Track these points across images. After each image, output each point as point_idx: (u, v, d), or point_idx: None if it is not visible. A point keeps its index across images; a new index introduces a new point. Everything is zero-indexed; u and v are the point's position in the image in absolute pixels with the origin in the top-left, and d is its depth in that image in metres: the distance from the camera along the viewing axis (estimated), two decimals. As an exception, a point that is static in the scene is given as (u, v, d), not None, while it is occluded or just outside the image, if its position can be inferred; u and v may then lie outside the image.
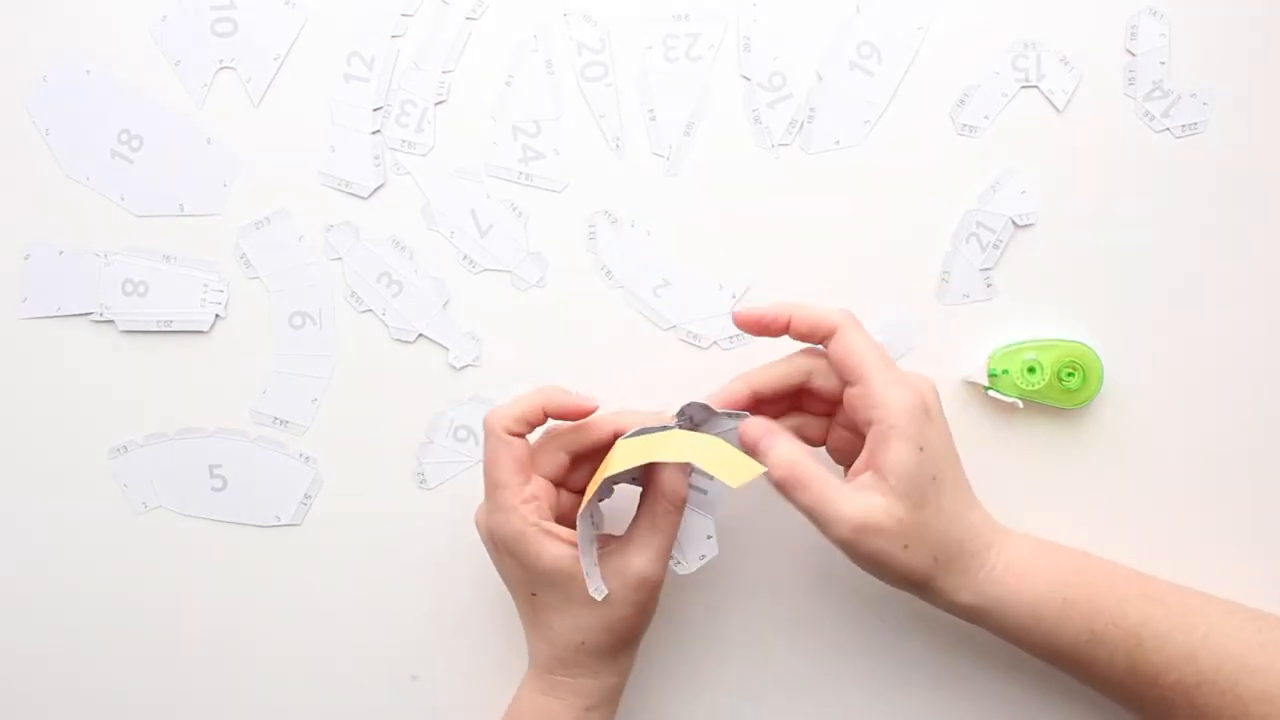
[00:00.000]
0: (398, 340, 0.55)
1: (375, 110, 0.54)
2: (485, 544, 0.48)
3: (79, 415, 0.55)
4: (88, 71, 0.54)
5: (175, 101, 0.54)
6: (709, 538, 0.50)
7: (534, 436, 0.48)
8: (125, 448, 0.55)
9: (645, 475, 0.48)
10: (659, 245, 0.54)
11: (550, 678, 0.47)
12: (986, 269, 0.54)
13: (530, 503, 0.46)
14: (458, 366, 0.55)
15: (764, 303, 0.47)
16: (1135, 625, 0.43)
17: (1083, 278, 0.53)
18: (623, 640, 0.47)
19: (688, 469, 0.47)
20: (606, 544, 0.47)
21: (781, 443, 0.45)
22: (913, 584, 0.44)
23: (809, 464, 0.44)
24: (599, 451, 0.48)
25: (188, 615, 0.55)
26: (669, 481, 0.47)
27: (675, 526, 0.47)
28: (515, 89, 0.54)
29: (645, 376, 0.54)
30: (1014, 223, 0.53)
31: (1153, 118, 0.53)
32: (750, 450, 0.46)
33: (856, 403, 0.45)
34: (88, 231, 0.54)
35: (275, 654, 0.55)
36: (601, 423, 0.48)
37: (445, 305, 0.55)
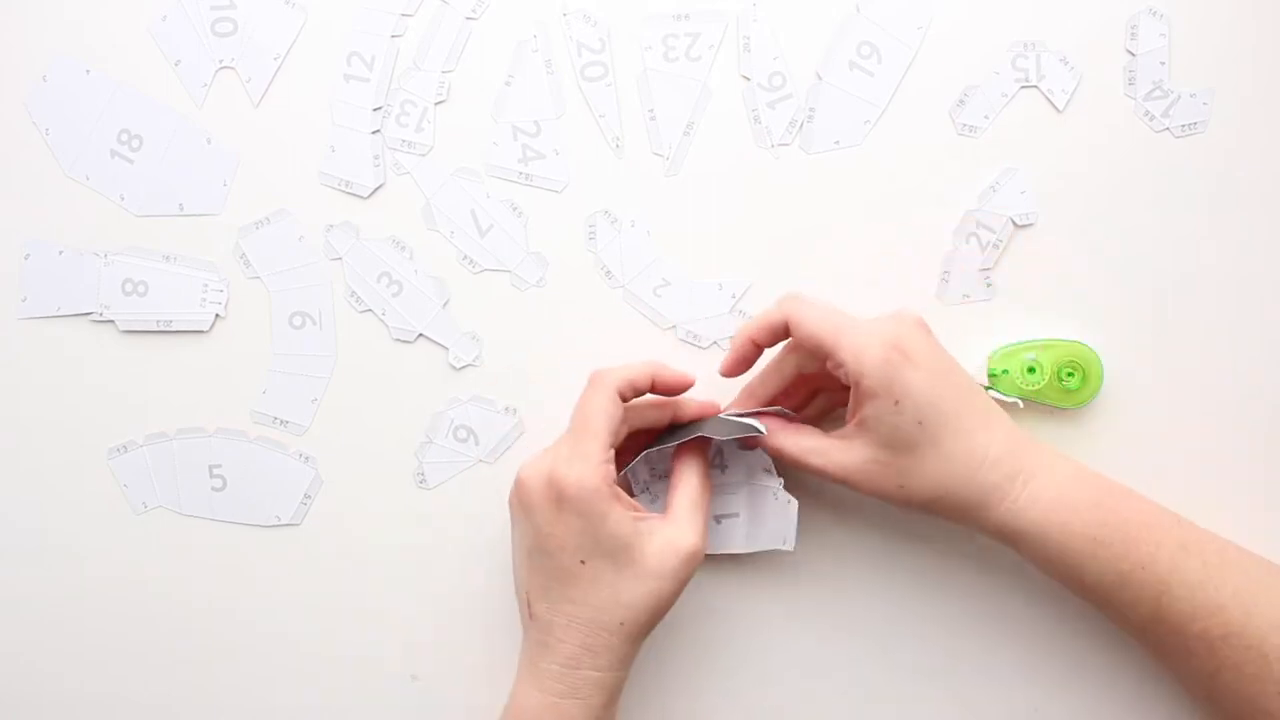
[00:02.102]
0: (398, 340, 0.55)
1: (375, 110, 0.54)
2: (539, 502, 0.46)
3: (79, 415, 0.55)
4: (88, 71, 0.54)
5: (175, 101, 0.54)
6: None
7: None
8: (125, 448, 0.55)
9: (677, 457, 0.50)
10: (659, 245, 0.54)
11: (573, 674, 0.46)
12: (986, 269, 0.54)
13: (610, 465, 0.46)
14: (458, 366, 0.55)
15: (733, 345, 0.50)
16: (1165, 573, 0.43)
17: (1083, 278, 0.53)
18: (656, 620, 0.47)
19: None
20: (646, 515, 0.47)
21: (780, 438, 0.49)
22: (930, 512, 0.47)
23: (786, 434, 0.48)
24: (654, 430, 0.51)
25: (188, 615, 0.55)
26: (705, 472, 0.49)
27: (707, 511, 0.49)
28: (515, 89, 0.54)
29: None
30: (1014, 223, 0.53)
31: (1153, 118, 0.53)
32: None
33: (836, 373, 0.47)
34: (88, 231, 0.54)
35: (275, 654, 0.55)
36: (682, 405, 0.51)
37: (445, 305, 0.55)
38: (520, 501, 0.47)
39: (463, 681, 0.55)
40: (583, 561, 0.45)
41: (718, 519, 0.52)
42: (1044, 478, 0.45)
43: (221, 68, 0.54)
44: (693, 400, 0.51)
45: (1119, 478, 0.53)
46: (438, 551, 0.55)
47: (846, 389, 0.48)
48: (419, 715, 0.55)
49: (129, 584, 0.55)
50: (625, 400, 0.48)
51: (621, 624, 0.45)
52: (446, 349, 0.55)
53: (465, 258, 0.55)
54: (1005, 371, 0.52)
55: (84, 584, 0.55)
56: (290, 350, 0.55)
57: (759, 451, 0.51)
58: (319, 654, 0.55)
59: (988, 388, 0.52)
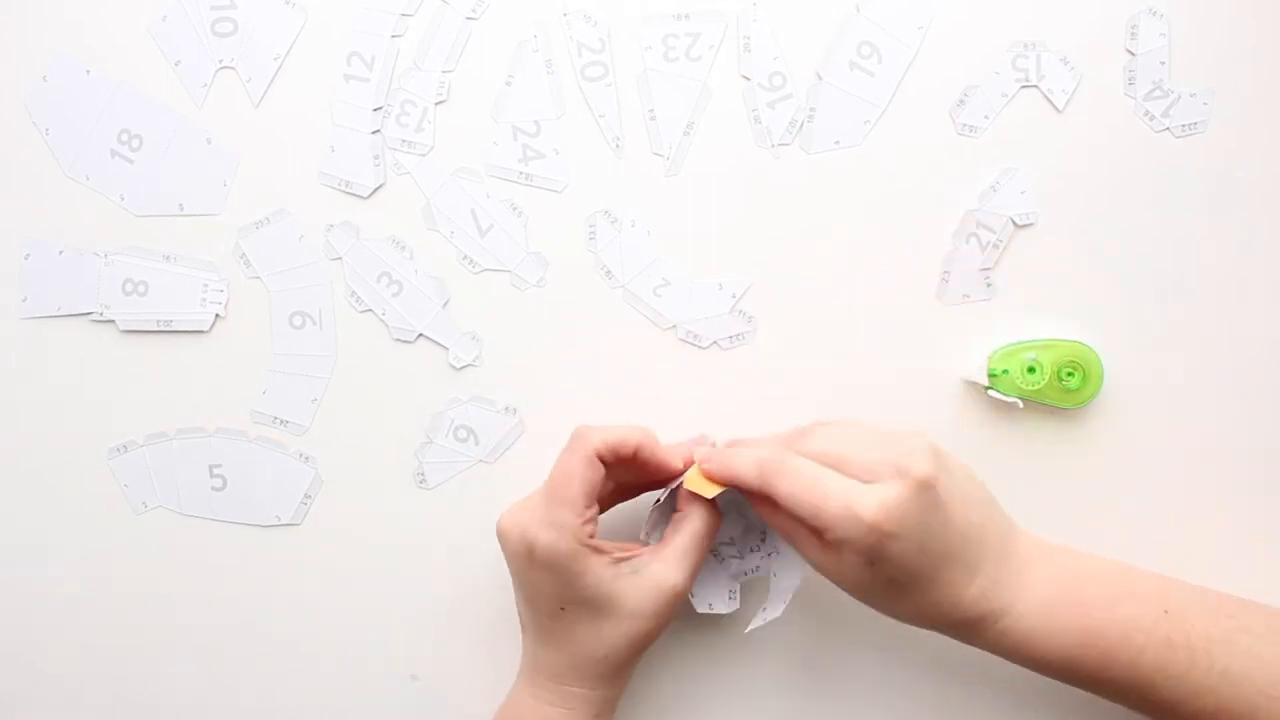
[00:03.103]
0: (398, 340, 0.55)
1: (375, 110, 0.54)
2: (514, 554, 0.47)
3: (79, 415, 0.55)
4: (88, 71, 0.54)
5: (175, 101, 0.54)
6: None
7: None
8: (125, 448, 0.55)
9: (681, 498, 0.48)
10: (659, 245, 0.54)
11: (562, 688, 0.47)
12: (986, 269, 0.54)
13: (588, 524, 0.46)
14: (458, 366, 0.55)
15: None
16: (1149, 672, 0.43)
17: (1083, 278, 0.53)
18: (640, 651, 0.47)
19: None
20: (635, 552, 0.47)
21: (740, 459, 0.46)
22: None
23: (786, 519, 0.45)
24: (645, 480, 0.49)
25: (188, 615, 0.55)
26: (710, 511, 0.48)
27: (705, 551, 0.48)
28: (515, 89, 0.54)
29: (645, 377, 0.54)
30: (1014, 223, 0.53)
31: (1153, 117, 0.53)
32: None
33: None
34: (88, 231, 0.54)
35: (275, 654, 0.55)
36: (668, 457, 0.48)
37: (445, 305, 0.55)
38: (502, 548, 0.48)
39: (463, 681, 0.55)
40: (562, 609, 0.46)
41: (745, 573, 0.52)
42: (1021, 609, 0.44)
43: (221, 68, 0.54)
44: (676, 452, 0.49)
45: (1119, 477, 0.53)
46: (437, 551, 0.55)
47: None
48: (419, 715, 0.55)
49: (129, 584, 0.55)
50: (605, 463, 0.46)
51: (605, 657, 0.46)
52: (446, 349, 0.55)
53: (465, 258, 0.55)
54: (1005, 371, 0.52)
55: (83, 584, 0.55)
56: (290, 350, 0.55)
57: None
58: (319, 654, 0.55)
59: (988, 388, 0.52)
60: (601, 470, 0.46)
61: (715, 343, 0.54)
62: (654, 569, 0.46)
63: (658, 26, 0.54)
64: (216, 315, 0.55)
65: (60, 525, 0.55)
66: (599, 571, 0.45)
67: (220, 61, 0.54)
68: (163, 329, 0.55)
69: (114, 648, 0.55)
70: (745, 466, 0.45)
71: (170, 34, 0.54)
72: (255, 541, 0.55)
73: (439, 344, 0.55)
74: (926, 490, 0.42)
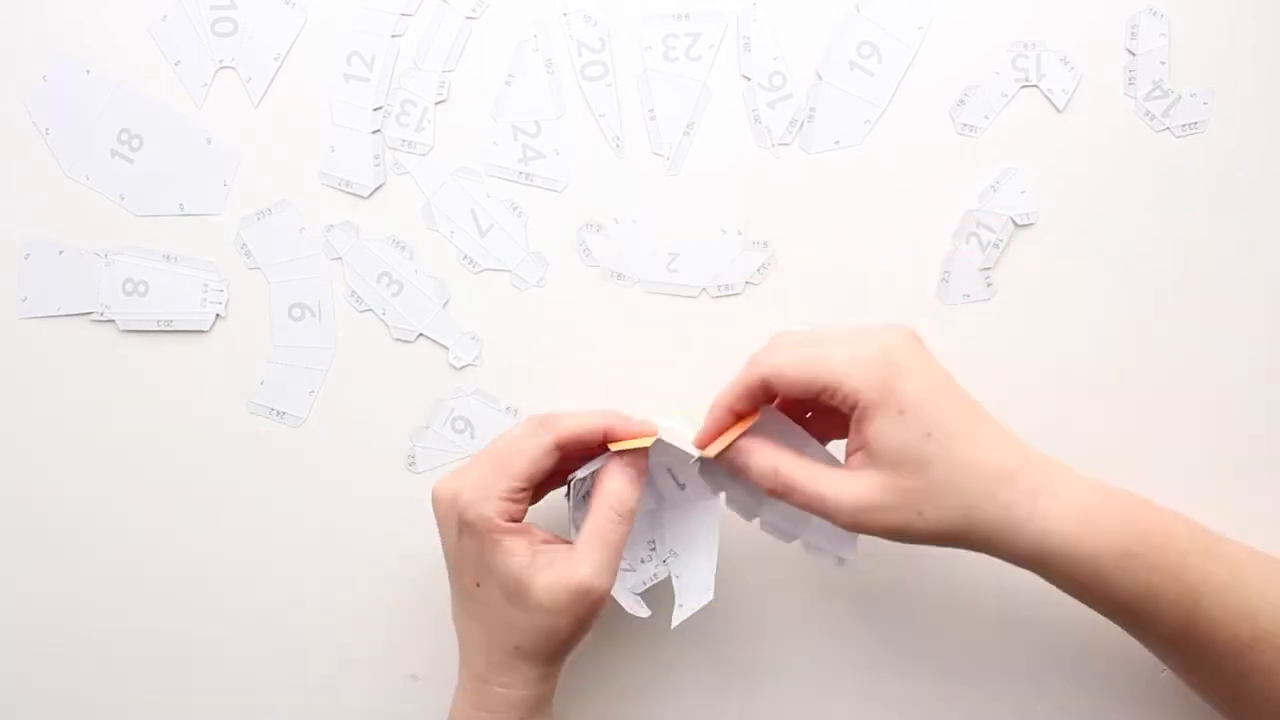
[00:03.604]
0: (398, 340, 0.55)
1: (375, 110, 0.54)
2: (444, 518, 0.47)
3: (79, 415, 0.55)
4: (88, 71, 0.54)
5: (175, 101, 0.54)
6: (707, 589, 0.48)
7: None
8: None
9: (594, 482, 0.47)
10: (657, 240, 0.54)
11: (483, 687, 0.46)
12: (986, 269, 0.54)
13: (516, 504, 0.45)
14: (458, 366, 0.55)
15: (710, 416, 0.45)
16: (1196, 581, 0.42)
17: (1083, 278, 0.53)
18: (557, 650, 0.46)
19: (642, 480, 0.46)
20: (552, 543, 0.46)
21: (755, 456, 0.44)
22: (953, 543, 0.42)
23: (791, 465, 0.43)
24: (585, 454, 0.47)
25: (187, 614, 0.55)
26: (614, 488, 0.46)
27: (623, 539, 0.46)
28: (515, 89, 0.54)
29: (644, 377, 0.54)
30: (1014, 223, 0.53)
31: (1153, 117, 0.53)
32: (736, 471, 0.45)
33: (831, 403, 0.43)
34: (88, 231, 0.54)
35: (275, 654, 0.55)
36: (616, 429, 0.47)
37: (445, 305, 0.55)
38: (434, 514, 0.47)
39: (463, 681, 0.55)
40: (478, 584, 0.46)
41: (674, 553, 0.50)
42: (1068, 492, 0.42)
43: (221, 68, 0.54)
44: (630, 421, 0.47)
45: (1118, 478, 0.53)
46: (438, 552, 0.55)
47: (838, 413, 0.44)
48: (419, 715, 0.55)
49: (129, 584, 0.55)
50: (565, 454, 0.46)
51: (517, 647, 0.45)
52: (446, 349, 0.55)
53: (465, 258, 0.55)
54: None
55: (83, 584, 0.55)
56: (290, 342, 0.55)
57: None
58: (319, 654, 0.55)
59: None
60: (555, 459, 0.46)
61: (748, 282, 0.54)
62: (563, 565, 0.44)
63: (658, 26, 0.54)
64: (217, 315, 0.55)
65: (60, 525, 0.55)
66: (512, 547, 0.44)
67: (220, 61, 0.54)
68: (163, 329, 0.55)
69: (114, 651, 0.55)
70: (738, 377, 0.44)
71: (170, 34, 0.54)
72: (255, 541, 0.55)
73: (439, 344, 0.55)
74: (917, 339, 0.43)
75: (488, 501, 0.45)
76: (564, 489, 0.49)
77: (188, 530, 0.55)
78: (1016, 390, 0.54)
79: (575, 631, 0.45)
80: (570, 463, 0.47)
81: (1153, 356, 0.53)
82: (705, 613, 0.49)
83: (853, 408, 0.42)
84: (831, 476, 0.43)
